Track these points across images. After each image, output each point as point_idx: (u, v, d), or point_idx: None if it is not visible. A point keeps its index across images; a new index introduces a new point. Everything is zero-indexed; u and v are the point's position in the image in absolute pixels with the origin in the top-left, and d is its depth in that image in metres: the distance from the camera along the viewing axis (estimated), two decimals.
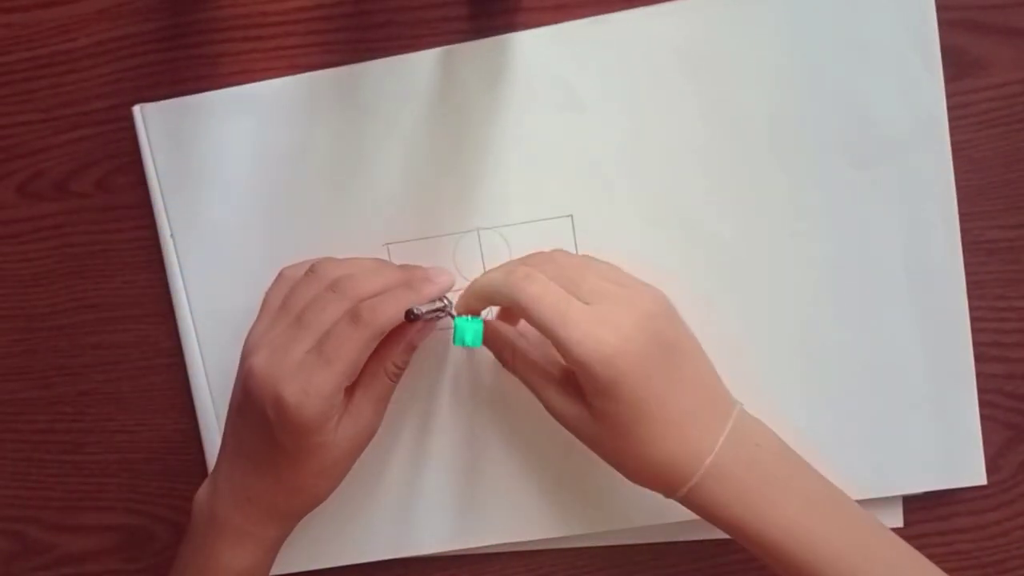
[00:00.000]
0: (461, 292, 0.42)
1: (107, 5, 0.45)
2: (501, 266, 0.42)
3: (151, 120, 0.46)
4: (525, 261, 0.41)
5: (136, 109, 0.46)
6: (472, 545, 0.47)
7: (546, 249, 0.42)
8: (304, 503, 0.42)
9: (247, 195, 0.46)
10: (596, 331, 0.36)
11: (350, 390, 0.40)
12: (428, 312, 0.39)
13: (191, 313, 0.47)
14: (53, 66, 0.46)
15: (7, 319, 0.49)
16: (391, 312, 0.38)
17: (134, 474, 0.49)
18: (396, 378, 0.41)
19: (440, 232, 0.45)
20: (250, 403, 0.39)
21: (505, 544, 0.47)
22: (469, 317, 0.40)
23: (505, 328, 0.41)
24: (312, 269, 0.41)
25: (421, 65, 0.44)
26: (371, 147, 0.45)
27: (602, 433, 0.38)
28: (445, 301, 0.41)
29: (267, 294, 0.43)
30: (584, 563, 0.48)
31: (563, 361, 0.38)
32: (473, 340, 0.39)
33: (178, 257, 0.47)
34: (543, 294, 0.37)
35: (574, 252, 0.43)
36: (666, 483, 0.38)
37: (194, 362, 0.47)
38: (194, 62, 0.46)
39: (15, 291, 0.48)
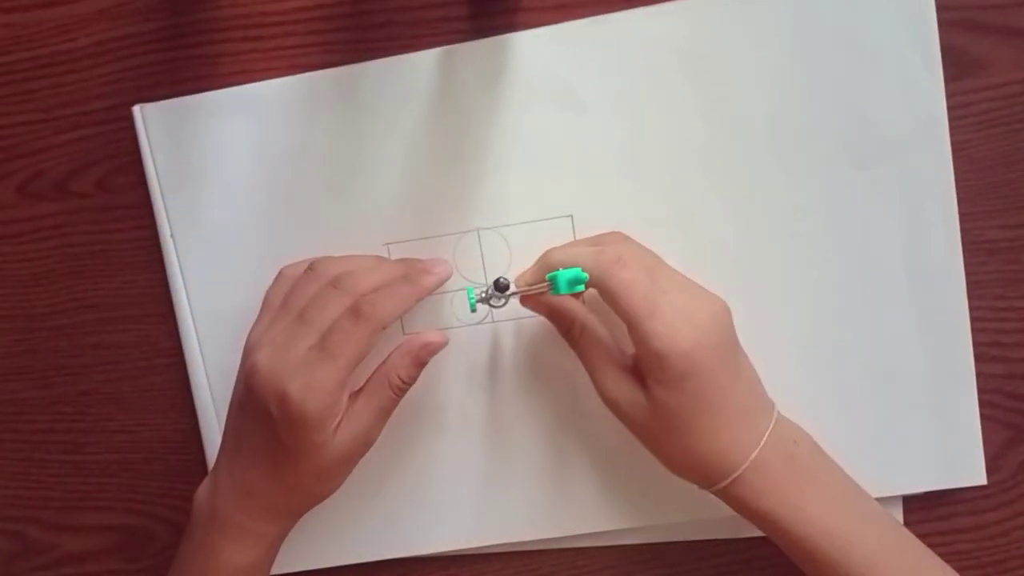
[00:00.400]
0: (530, 266, 0.42)
1: (107, 5, 0.45)
2: (579, 242, 0.43)
3: (151, 120, 0.46)
4: (601, 240, 0.41)
5: (136, 109, 0.46)
6: (472, 545, 0.47)
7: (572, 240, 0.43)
8: (302, 502, 0.42)
9: (247, 195, 0.46)
10: (677, 323, 0.37)
11: (353, 396, 0.40)
12: (489, 297, 0.40)
13: (191, 313, 0.47)
14: (53, 66, 0.46)
15: (7, 319, 0.49)
16: (390, 306, 0.39)
17: (134, 474, 0.49)
18: (400, 392, 0.41)
19: (440, 232, 0.45)
20: (253, 400, 0.39)
21: (505, 544, 0.47)
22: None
23: (573, 303, 0.41)
24: (312, 267, 0.41)
25: (421, 65, 0.44)
26: (371, 147, 0.45)
27: (656, 423, 0.38)
28: (505, 280, 0.41)
29: (267, 293, 0.43)
30: (584, 563, 0.48)
31: (629, 346, 0.39)
32: (571, 285, 0.38)
33: (178, 257, 0.47)
34: (635, 282, 0.37)
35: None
36: (709, 476, 0.38)
37: (194, 362, 0.47)
38: (194, 62, 0.46)
39: (15, 291, 0.48)
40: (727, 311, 0.39)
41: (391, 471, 0.46)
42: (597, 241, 0.41)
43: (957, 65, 0.43)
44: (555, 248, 0.41)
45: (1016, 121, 0.43)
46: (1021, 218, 0.44)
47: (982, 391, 0.44)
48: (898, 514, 0.45)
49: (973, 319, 0.43)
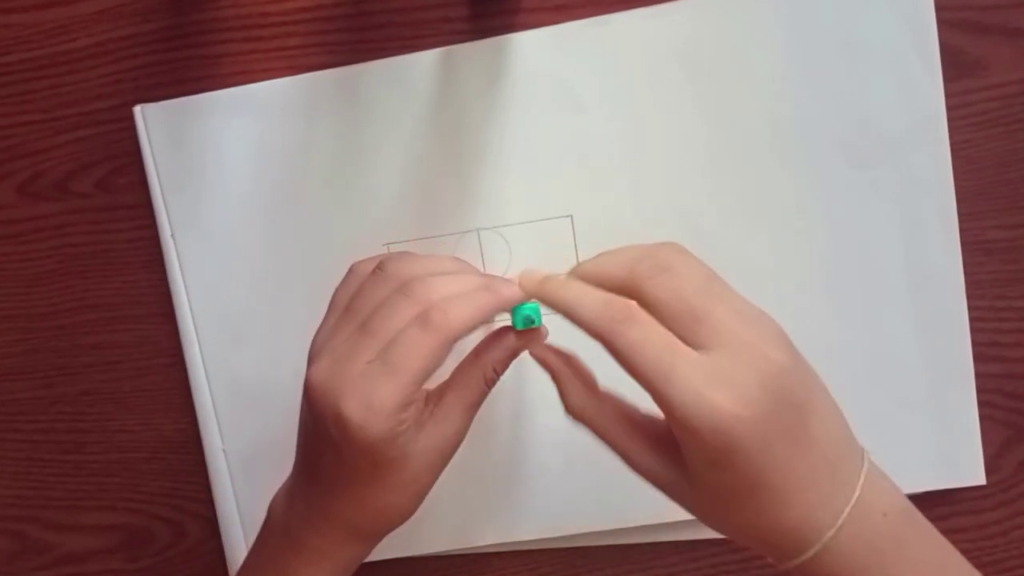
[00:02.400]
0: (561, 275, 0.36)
1: (107, 5, 0.45)
2: (612, 260, 0.34)
3: (152, 120, 0.46)
4: (635, 271, 0.32)
5: (137, 109, 0.46)
6: (472, 545, 0.47)
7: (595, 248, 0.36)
8: (388, 522, 0.37)
9: (248, 195, 0.46)
10: (709, 392, 0.29)
11: (437, 393, 0.36)
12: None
13: (191, 313, 0.47)
14: (53, 67, 0.46)
15: (8, 319, 0.49)
16: (465, 315, 0.33)
17: (134, 474, 0.49)
18: (493, 384, 0.37)
19: (440, 232, 0.45)
20: (312, 417, 0.35)
21: (505, 544, 0.47)
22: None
23: (575, 365, 0.35)
24: (381, 266, 0.36)
25: (421, 65, 0.44)
26: (371, 147, 0.45)
27: (705, 502, 0.33)
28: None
29: (336, 292, 0.38)
30: (584, 563, 0.48)
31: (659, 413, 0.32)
32: (528, 320, 0.35)
33: (178, 257, 0.47)
34: (644, 341, 0.30)
35: (690, 253, 0.34)
36: (777, 552, 0.33)
37: (194, 362, 0.47)
38: (194, 62, 0.46)
39: (16, 291, 0.48)
40: (792, 363, 0.31)
41: None
42: (635, 271, 0.33)
43: (956, 65, 0.43)
44: (570, 291, 0.33)
45: (1015, 121, 0.43)
46: (1020, 218, 0.44)
47: (981, 391, 0.44)
48: None
49: (972, 319, 0.44)
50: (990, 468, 0.45)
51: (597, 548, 0.47)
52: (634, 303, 0.32)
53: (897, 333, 0.44)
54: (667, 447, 0.33)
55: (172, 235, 0.46)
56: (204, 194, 0.46)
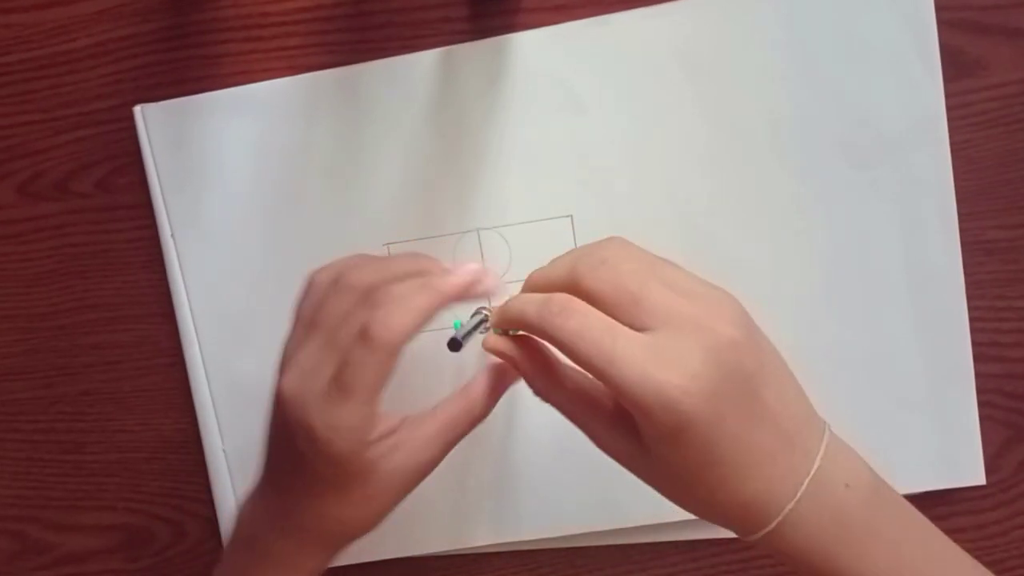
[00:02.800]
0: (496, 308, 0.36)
1: (107, 5, 0.45)
2: (538, 289, 0.35)
3: (152, 120, 0.46)
4: (575, 269, 0.33)
5: (137, 109, 0.46)
6: (472, 545, 0.47)
7: (552, 246, 0.38)
8: (347, 534, 0.37)
9: (248, 195, 0.46)
10: (655, 371, 0.29)
11: (419, 420, 0.37)
12: (467, 334, 0.36)
13: (191, 313, 0.47)
14: (53, 67, 0.46)
15: (8, 319, 0.49)
16: (406, 323, 0.33)
17: (134, 474, 0.49)
18: (478, 422, 0.37)
19: (440, 232, 0.45)
20: (280, 426, 0.35)
21: (505, 544, 0.47)
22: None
23: (539, 347, 0.35)
24: (339, 280, 0.36)
25: (421, 65, 0.44)
26: (371, 147, 0.45)
27: (664, 477, 0.33)
28: (485, 313, 0.37)
29: (300, 303, 0.38)
30: (584, 563, 0.48)
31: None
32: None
33: (178, 257, 0.47)
34: (582, 328, 0.31)
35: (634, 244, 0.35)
36: (739, 526, 0.32)
37: (194, 362, 0.47)
38: (194, 62, 0.46)
39: (16, 291, 0.48)
40: (743, 335, 0.31)
41: None
42: (575, 267, 0.33)
43: (956, 65, 0.43)
44: (514, 298, 0.34)
45: (1015, 121, 0.43)
46: (1020, 218, 0.44)
47: (981, 391, 0.44)
48: None
49: (972, 319, 0.44)
50: (990, 468, 0.45)
51: (597, 548, 0.47)
52: (570, 296, 0.32)
53: (897, 333, 0.44)
54: (626, 423, 0.33)
55: (172, 235, 0.46)
56: (204, 194, 0.46)
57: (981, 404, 0.44)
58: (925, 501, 0.45)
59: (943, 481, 0.45)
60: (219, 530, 0.48)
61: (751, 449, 0.31)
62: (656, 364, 0.30)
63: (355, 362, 0.33)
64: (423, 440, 0.36)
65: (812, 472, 0.31)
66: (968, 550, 0.46)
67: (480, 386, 0.37)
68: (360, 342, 0.33)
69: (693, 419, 0.30)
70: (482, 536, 0.47)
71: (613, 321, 0.31)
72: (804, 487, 0.31)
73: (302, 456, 0.35)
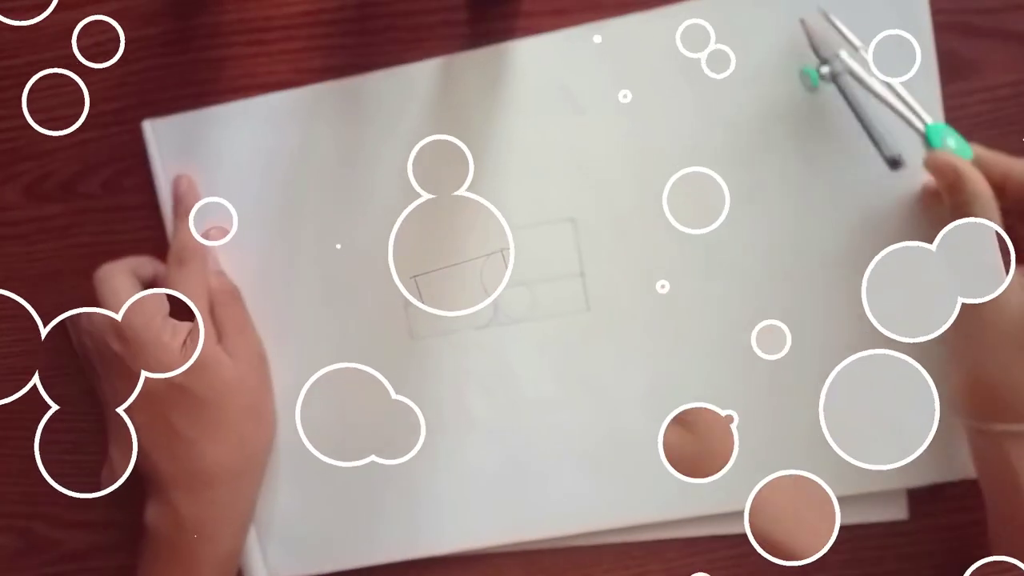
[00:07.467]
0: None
1: (112, 9, 0.46)
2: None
3: (161, 134, 0.46)
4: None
5: (146, 124, 0.46)
6: (471, 545, 0.47)
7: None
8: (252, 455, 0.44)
9: (252, 205, 0.46)
10: None
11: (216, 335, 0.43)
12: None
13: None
14: (59, 69, 0.46)
15: (13, 319, 0.49)
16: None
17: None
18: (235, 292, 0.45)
19: (444, 235, 0.45)
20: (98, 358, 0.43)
21: (505, 544, 0.47)
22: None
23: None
24: (85, 326, 0.44)
25: (423, 75, 0.45)
26: (375, 157, 0.45)
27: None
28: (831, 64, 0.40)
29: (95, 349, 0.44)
30: (585, 562, 0.48)
31: None
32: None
33: None
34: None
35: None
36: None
37: None
38: (199, 66, 0.46)
39: (22, 291, 0.49)
40: None
41: (391, 472, 0.46)
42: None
43: (950, 68, 0.43)
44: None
45: (1009, 123, 0.44)
46: None
47: None
48: (903, 508, 0.45)
49: None
50: None
51: (597, 547, 0.47)
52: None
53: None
54: None
55: None
56: (211, 205, 0.46)
57: None
58: (931, 494, 0.45)
59: (949, 474, 0.44)
60: None
61: None
62: None
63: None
64: (233, 336, 0.44)
65: None
66: (968, 549, 0.46)
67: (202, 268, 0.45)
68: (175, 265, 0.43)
69: None
70: (482, 536, 0.47)
71: None
72: None
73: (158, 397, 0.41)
